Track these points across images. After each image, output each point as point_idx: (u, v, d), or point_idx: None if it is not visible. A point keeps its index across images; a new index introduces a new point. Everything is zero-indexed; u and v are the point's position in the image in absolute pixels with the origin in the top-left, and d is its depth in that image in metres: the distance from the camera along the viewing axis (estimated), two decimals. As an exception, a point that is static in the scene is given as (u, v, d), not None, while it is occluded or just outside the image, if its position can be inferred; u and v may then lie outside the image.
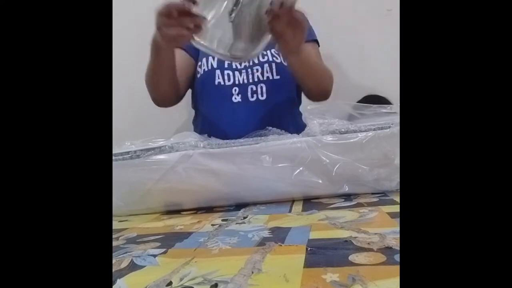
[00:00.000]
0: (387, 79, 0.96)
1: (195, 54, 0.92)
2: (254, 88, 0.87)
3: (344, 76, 1.14)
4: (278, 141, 0.63)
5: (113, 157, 0.62)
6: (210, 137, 0.75)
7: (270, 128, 0.69)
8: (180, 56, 0.88)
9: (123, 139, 0.68)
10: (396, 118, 0.64)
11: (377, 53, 1.12)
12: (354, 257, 0.32)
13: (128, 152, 0.63)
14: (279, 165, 0.61)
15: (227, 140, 0.65)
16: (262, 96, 0.86)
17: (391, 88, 0.90)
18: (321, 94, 0.87)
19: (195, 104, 0.94)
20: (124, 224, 0.58)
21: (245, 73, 0.88)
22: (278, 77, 0.87)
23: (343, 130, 0.63)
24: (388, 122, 0.62)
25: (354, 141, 0.61)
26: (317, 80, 0.84)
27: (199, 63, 0.92)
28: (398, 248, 0.33)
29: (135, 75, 1.17)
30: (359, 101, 0.96)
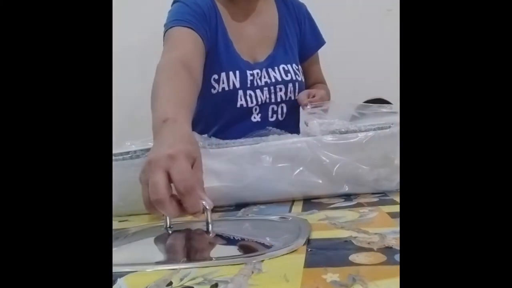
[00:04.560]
0: (387, 79, 0.96)
1: (205, 36, 0.78)
2: (275, 108, 0.83)
3: (344, 76, 1.14)
4: (278, 141, 0.63)
5: (113, 157, 0.62)
6: (210, 137, 0.75)
7: (270, 128, 0.69)
8: (194, 43, 0.74)
9: (123, 139, 0.68)
10: (396, 118, 0.64)
11: (377, 53, 1.12)
12: (354, 257, 0.32)
13: (128, 152, 0.63)
14: (279, 165, 0.61)
15: (227, 140, 0.65)
16: (281, 116, 0.83)
17: (391, 89, 0.90)
18: None
19: (197, 109, 0.86)
20: (124, 224, 0.58)
21: (267, 91, 0.82)
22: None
23: (343, 130, 0.63)
24: (388, 122, 0.62)
25: (354, 141, 0.61)
26: None
27: (216, 77, 0.80)
28: (398, 248, 0.33)
29: (135, 75, 1.18)
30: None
